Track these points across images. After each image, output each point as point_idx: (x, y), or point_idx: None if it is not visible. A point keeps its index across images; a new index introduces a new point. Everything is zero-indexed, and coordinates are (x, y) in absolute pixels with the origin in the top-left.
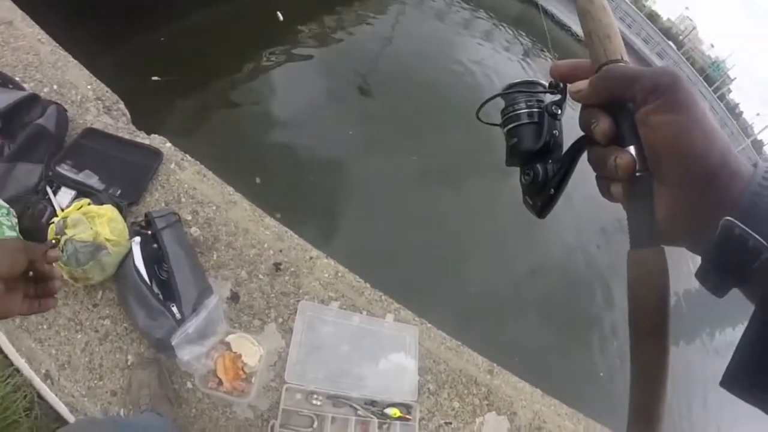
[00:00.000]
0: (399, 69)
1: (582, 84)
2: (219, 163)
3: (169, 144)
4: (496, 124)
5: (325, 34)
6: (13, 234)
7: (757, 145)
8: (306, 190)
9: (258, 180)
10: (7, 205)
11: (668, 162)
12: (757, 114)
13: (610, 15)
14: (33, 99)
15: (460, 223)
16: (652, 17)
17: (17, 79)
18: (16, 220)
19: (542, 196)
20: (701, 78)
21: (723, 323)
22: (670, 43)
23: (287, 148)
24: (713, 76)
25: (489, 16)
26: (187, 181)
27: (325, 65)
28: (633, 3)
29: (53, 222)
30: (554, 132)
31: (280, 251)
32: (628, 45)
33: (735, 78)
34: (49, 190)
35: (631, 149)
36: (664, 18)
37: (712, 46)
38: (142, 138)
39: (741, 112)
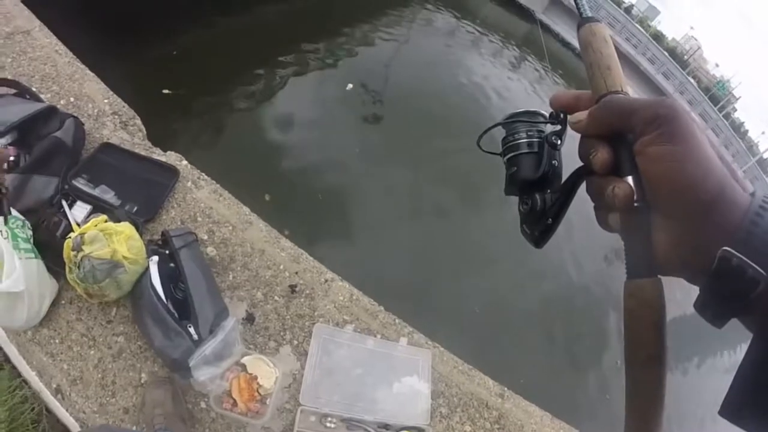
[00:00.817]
0: (408, 87)
1: (581, 114)
2: (229, 179)
3: (185, 162)
4: (496, 153)
5: (336, 50)
6: (28, 246)
7: (763, 164)
8: (315, 208)
9: (267, 197)
10: (23, 217)
11: (665, 193)
12: (762, 132)
13: (611, 46)
14: (51, 111)
15: (470, 242)
16: (658, 38)
17: (34, 89)
18: (31, 233)
19: (540, 225)
20: (706, 97)
21: (722, 346)
22: (676, 63)
23: (296, 165)
24: (718, 95)
25: (497, 37)
26: (203, 200)
27: (335, 82)
28: (639, 23)
29: (70, 237)
30: (553, 162)
31: (296, 273)
32: (634, 65)
33: (740, 97)
34: (64, 203)
35: (629, 179)
36: (670, 38)
37: (717, 65)
38: (158, 154)
39: (746, 131)
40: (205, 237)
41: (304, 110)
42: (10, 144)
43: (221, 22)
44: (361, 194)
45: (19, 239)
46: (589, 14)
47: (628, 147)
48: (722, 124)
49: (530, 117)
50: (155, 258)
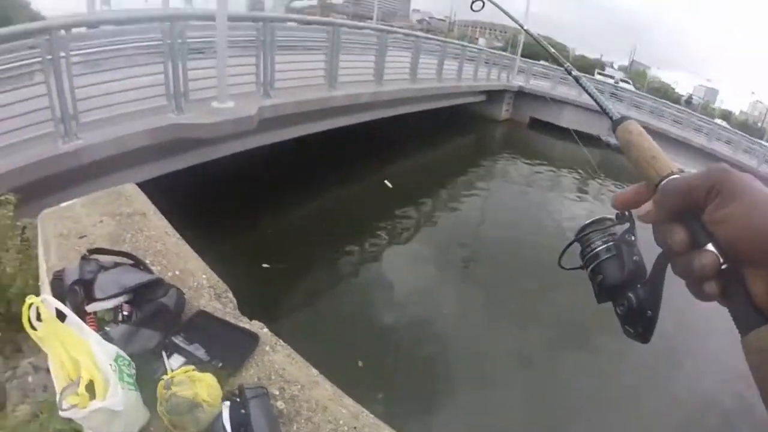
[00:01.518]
0: (497, 241)
1: (647, 206)
2: (315, 344)
3: (266, 330)
4: (578, 268)
5: (419, 218)
6: (131, 381)
7: None
8: (408, 373)
9: (360, 363)
10: (129, 358)
11: (742, 247)
12: None
13: (648, 138)
14: (159, 282)
15: (583, 395)
16: (726, 117)
17: (147, 261)
18: (134, 372)
19: (641, 321)
20: None
21: None
22: (751, 137)
23: (390, 331)
24: None
25: (571, 170)
26: (278, 362)
27: (423, 247)
28: (703, 110)
29: (163, 379)
30: (635, 258)
31: (354, 428)
32: (715, 156)
33: None
34: (164, 354)
35: (709, 246)
36: (737, 112)
37: None
38: (244, 322)
39: None
40: (276, 392)
41: (395, 277)
42: (125, 302)
43: (309, 202)
44: (457, 357)
45: (125, 374)
46: (618, 115)
47: (696, 219)
48: None
49: (599, 225)
50: (228, 403)
